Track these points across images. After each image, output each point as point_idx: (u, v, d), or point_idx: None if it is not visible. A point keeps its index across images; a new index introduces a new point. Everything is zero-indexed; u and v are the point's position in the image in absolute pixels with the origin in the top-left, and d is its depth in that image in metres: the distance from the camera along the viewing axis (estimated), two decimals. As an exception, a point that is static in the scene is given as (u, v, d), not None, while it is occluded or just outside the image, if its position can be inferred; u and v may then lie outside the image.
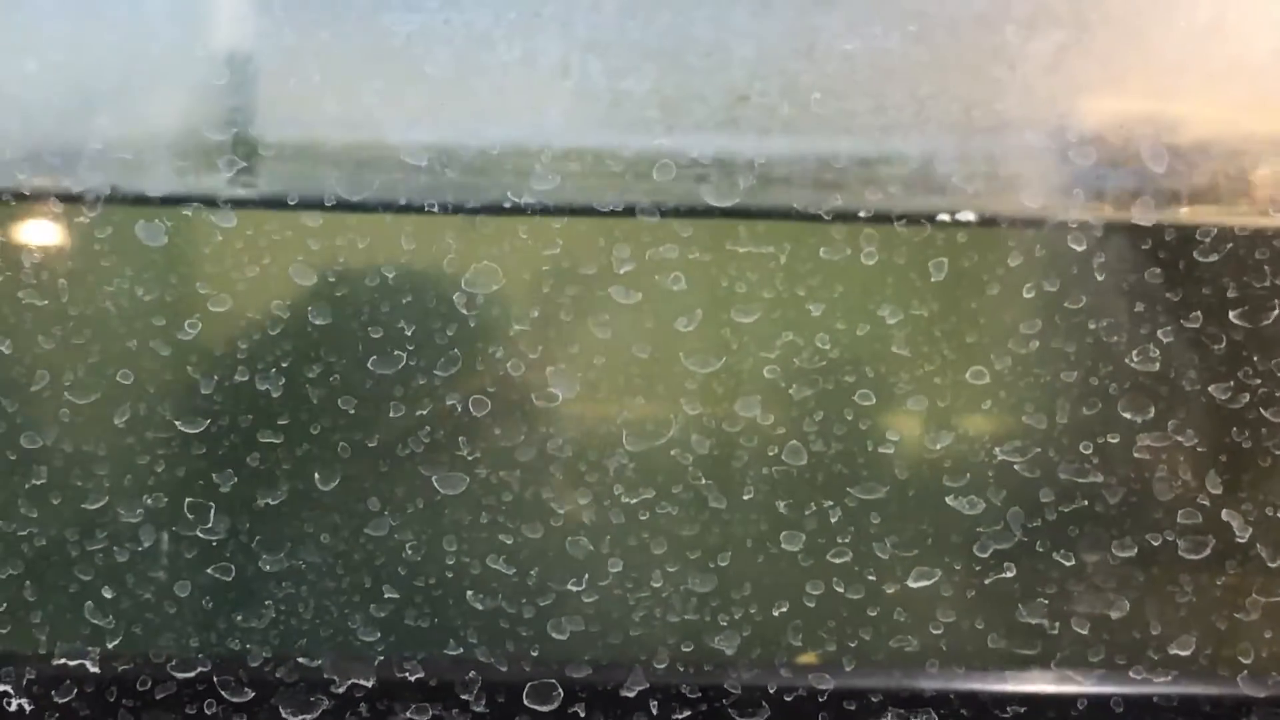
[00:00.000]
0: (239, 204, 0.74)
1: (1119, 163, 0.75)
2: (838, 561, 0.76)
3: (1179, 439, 0.74)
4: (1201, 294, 0.73)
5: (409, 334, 0.74)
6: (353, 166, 0.74)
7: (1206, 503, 0.75)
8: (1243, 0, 0.76)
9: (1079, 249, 0.73)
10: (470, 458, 0.75)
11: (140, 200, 0.74)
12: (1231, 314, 0.73)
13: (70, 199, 0.74)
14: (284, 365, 0.74)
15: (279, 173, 0.75)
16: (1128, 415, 0.74)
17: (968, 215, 0.75)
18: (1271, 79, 0.76)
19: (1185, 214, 0.74)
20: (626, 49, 0.75)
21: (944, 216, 0.74)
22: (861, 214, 0.74)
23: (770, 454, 0.75)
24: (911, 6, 0.75)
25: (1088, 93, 0.76)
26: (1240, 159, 0.76)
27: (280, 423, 0.75)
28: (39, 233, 0.75)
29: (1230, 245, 0.73)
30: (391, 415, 0.75)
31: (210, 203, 0.74)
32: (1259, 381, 0.74)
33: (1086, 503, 0.75)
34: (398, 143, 0.74)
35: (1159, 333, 0.73)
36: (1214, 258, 0.72)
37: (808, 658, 0.77)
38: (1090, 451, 0.74)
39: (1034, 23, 0.75)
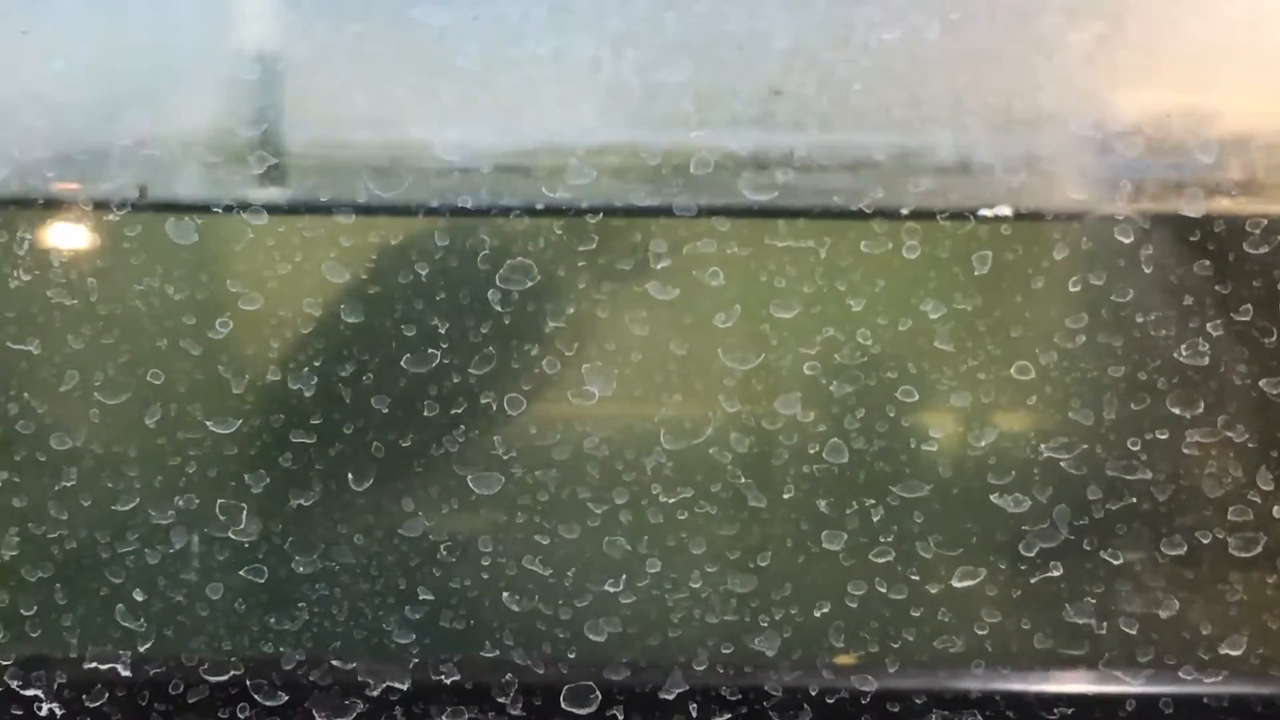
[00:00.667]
0: (271, 206, 0.73)
1: (1158, 155, 0.74)
2: (880, 561, 0.75)
3: (1229, 434, 0.73)
4: (1252, 286, 0.72)
5: (443, 332, 0.73)
6: (386, 163, 0.74)
7: (1257, 499, 0.74)
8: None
9: (1122, 241, 0.72)
10: (506, 457, 0.74)
11: (171, 203, 0.74)
12: (1283, 307, 0.72)
13: (100, 198, 0.73)
14: (316, 364, 0.74)
15: (310, 170, 0.75)
16: (1176, 411, 0.73)
17: (1004, 210, 0.74)
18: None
19: (1223, 206, 0.73)
20: (660, 43, 0.75)
21: (984, 211, 0.74)
22: (903, 211, 0.73)
23: (811, 452, 0.74)
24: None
25: (1126, 84, 0.75)
26: (1280, 151, 0.75)
27: (313, 422, 0.74)
28: (69, 232, 0.75)
29: (1280, 237, 0.72)
30: (426, 414, 0.74)
31: (242, 202, 0.73)
32: (1311, 376, 0.73)
33: (1134, 500, 0.74)
34: (431, 140, 0.74)
35: (1208, 326, 0.72)
36: (1265, 249, 0.71)
37: (844, 659, 0.76)
38: (1138, 448, 0.73)
39: (1073, 13, 0.74)
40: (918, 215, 0.73)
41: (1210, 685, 0.75)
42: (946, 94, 0.75)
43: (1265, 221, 0.71)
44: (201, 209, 0.73)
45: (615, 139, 0.75)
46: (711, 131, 0.74)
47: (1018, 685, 0.75)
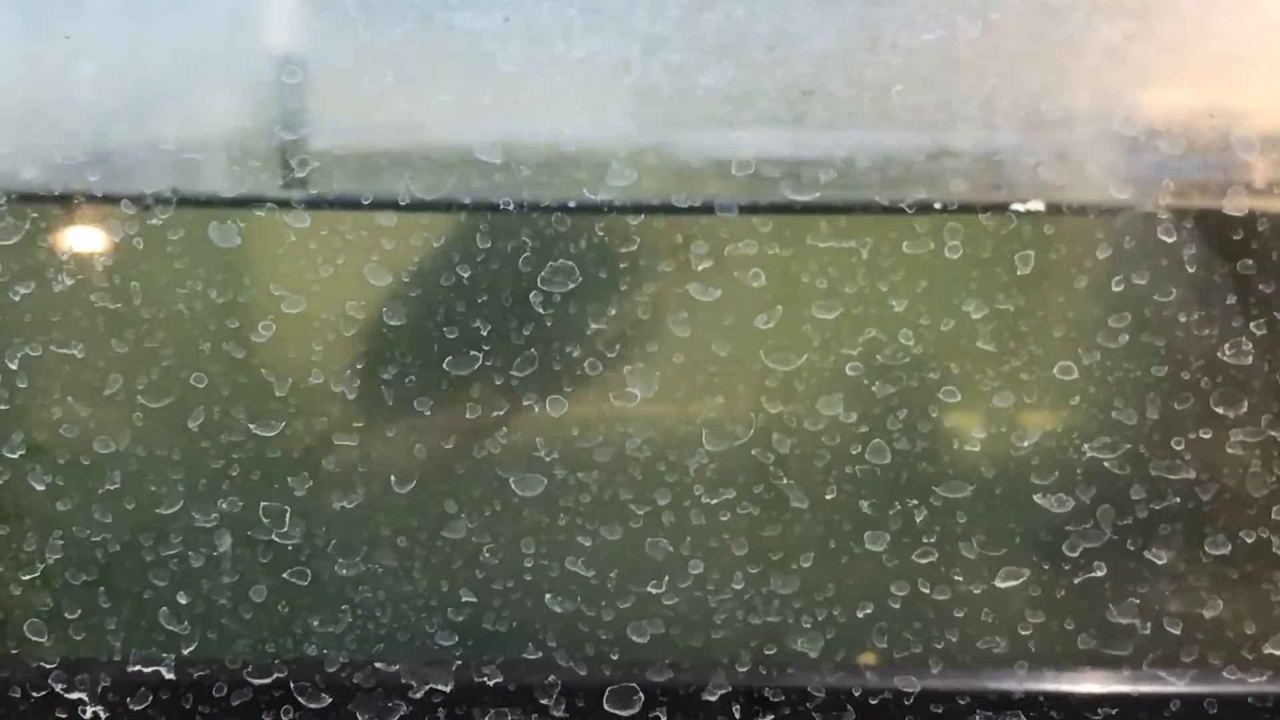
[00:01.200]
0: (312, 204, 0.73)
1: (1189, 153, 0.74)
2: (923, 562, 0.75)
3: (1273, 434, 0.73)
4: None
5: (485, 334, 0.73)
6: (425, 165, 0.74)
7: (1302, 498, 0.74)
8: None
9: (1160, 240, 0.72)
10: (548, 459, 0.74)
11: (212, 202, 0.74)
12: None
13: (132, 196, 0.73)
14: (358, 367, 0.74)
15: (344, 171, 0.75)
16: (1220, 410, 0.73)
17: (1037, 205, 0.74)
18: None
19: (1252, 205, 0.73)
20: (692, 44, 0.75)
21: (1017, 206, 0.73)
22: (936, 205, 0.73)
23: (853, 452, 0.74)
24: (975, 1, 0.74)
25: (1154, 83, 0.75)
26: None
27: (355, 425, 0.74)
28: (100, 232, 0.75)
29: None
30: (468, 416, 0.74)
31: (282, 201, 0.73)
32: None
33: (1178, 500, 0.74)
34: (471, 142, 0.74)
35: (1251, 325, 0.72)
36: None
37: (867, 657, 0.76)
38: (1181, 447, 0.73)
39: (1103, 12, 0.74)
40: (948, 210, 0.73)
41: (1255, 685, 0.74)
42: (977, 94, 0.75)
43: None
44: (239, 205, 0.73)
45: (651, 140, 0.75)
46: (746, 132, 0.74)
47: (1061, 686, 0.75)
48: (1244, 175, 0.73)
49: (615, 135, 0.75)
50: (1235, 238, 0.72)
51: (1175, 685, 0.75)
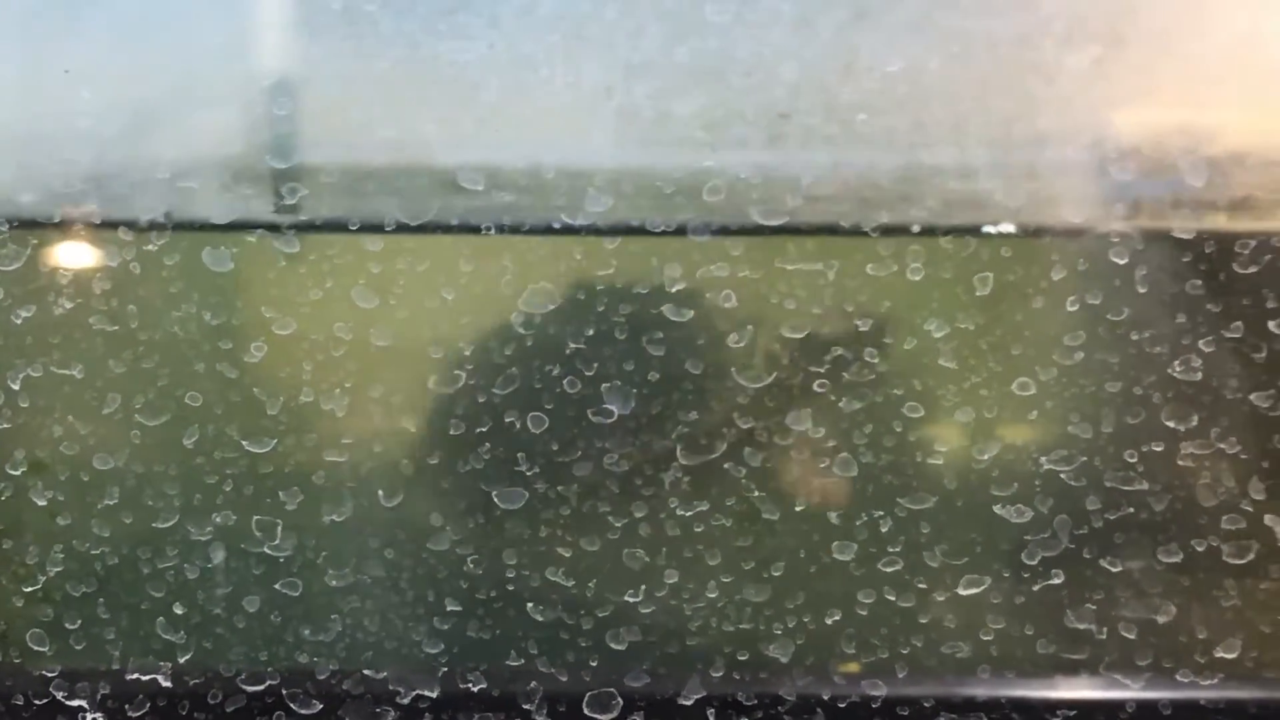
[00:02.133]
0: (302, 228, 0.75)
1: (1155, 174, 0.76)
2: (889, 570, 0.77)
3: (1222, 446, 0.75)
4: (1242, 304, 0.74)
5: (467, 354, 0.76)
6: (409, 190, 0.76)
7: (1250, 508, 0.76)
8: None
9: (1117, 261, 0.74)
10: (529, 473, 0.77)
11: (204, 226, 0.76)
12: (1271, 324, 0.74)
13: (127, 222, 0.75)
14: (348, 385, 0.76)
15: (333, 196, 0.77)
16: (1171, 424, 0.75)
17: (1008, 227, 0.76)
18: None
19: (1221, 224, 0.75)
20: (670, 71, 0.77)
21: (988, 229, 0.75)
22: (914, 228, 0.75)
23: (822, 466, 0.76)
24: (950, 26, 0.76)
25: (1124, 105, 0.77)
26: (1277, 169, 0.76)
27: (345, 441, 0.77)
28: (103, 260, 0.76)
29: (1269, 256, 0.73)
30: (451, 433, 0.76)
31: (273, 228, 0.75)
32: (1299, 389, 0.75)
33: (1132, 510, 0.76)
34: (452, 166, 0.75)
35: (1200, 343, 0.74)
36: (1254, 269, 0.73)
37: (850, 667, 0.78)
38: (1135, 460, 0.75)
39: (1070, 38, 0.76)
40: (924, 233, 0.75)
41: (1207, 689, 0.77)
42: (948, 118, 0.77)
43: (1254, 242, 0.73)
44: (231, 230, 0.75)
45: (629, 164, 0.77)
46: (723, 155, 0.76)
47: (1022, 690, 0.77)
48: (1209, 195, 0.75)
49: (597, 159, 0.77)
50: (1185, 259, 0.74)
51: (1131, 689, 0.77)
